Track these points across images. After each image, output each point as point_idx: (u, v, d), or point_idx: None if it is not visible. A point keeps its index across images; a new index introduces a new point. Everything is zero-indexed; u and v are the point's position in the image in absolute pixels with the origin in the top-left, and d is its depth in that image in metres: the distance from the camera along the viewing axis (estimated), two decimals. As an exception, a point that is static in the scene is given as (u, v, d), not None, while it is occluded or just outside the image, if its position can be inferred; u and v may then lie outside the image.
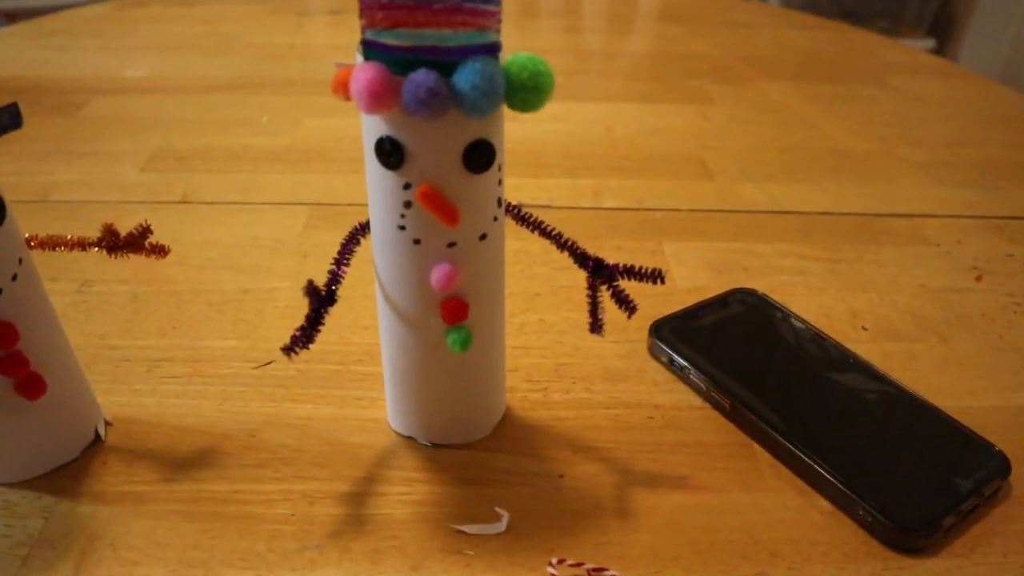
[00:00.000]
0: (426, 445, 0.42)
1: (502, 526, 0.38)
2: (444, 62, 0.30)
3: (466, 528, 0.38)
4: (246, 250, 0.58)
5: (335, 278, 0.36)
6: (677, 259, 0.57)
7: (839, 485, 0.39)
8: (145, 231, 0.39)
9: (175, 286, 0.54)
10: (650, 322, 0.49)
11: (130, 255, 0.40)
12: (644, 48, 1.01)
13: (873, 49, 1.02)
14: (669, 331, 0.48)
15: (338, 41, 0.98)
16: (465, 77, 0.29)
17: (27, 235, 0.38)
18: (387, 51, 0.30)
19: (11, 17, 1.80)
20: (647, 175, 0.69)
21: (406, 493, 0.40)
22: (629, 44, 1.03)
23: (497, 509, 0.39)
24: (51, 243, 0.39)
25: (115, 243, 0.38)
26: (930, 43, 2.14)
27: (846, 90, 0.88)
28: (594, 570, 0.36)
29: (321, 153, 0.71)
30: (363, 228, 0.38)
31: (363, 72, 0.30)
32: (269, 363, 0.47)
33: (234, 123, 0.77)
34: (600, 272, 0.37)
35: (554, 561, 0.36)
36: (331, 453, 0.42)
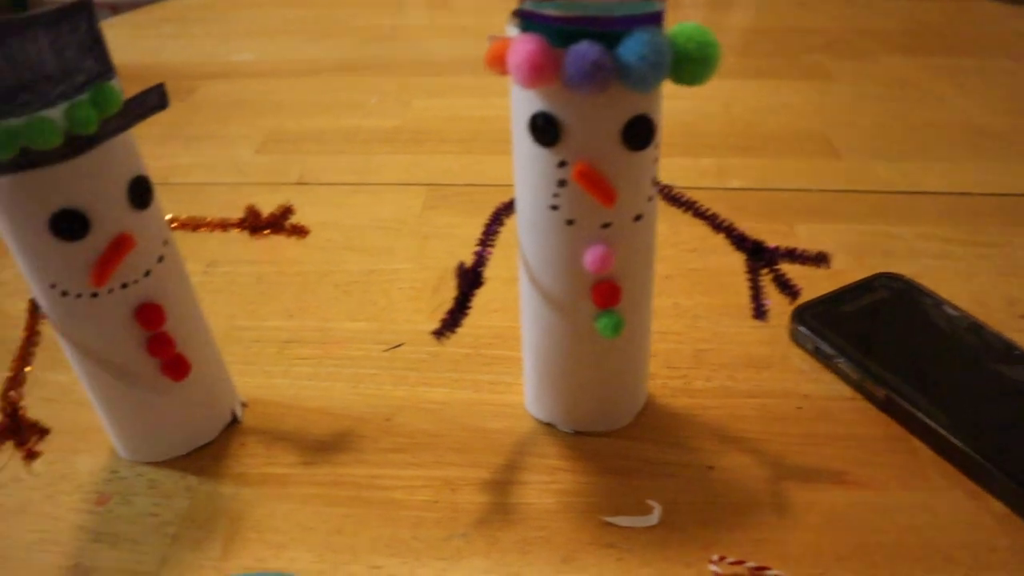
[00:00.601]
0: (567, 432, 0.41)
1: (654, 519, 0.36)
2: (607, 33, 0.28)
3: (616, 520, 0.36)
4: (366, 231, 0.57)
5: (481, 260, 0.35)
6: (812, 241, 0.54)
7: (1015, 487, 0.36)
8: (286, 212, 0.38)
9: (299, 267, 0.53)
10: (790, 307, 0.47)
11: (270, 235, 0.39)
12: (753, 22, 0.97)
13: (999, 19, 0.96)
14: (813, 317, 0.46)
15: (439, 22, 0.97)
16: (632, 48, 0.28)
17: (169, 216, 0.37)
18: (547, 22, 0.28)
19: (114, 9, 1.85)
20: (771, 154, 0.66)
21: (550, 482, 0.38)
22: (735, 19, 1.00)
23: (648, 501, 0.37)
24: (192, 224, 0.38)
25: (257, 224, 0.38)
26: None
27: (975, 63, 0.83)
28: (756, 569, 0.34)
29: (433, 134, 0.71)
30: (507, 208, 0.36)
31: (522, 44, 0.28)
32: (399, 345, 0.47)
33: (343, 105, 0.77)
34: (760, 255, 0.35)
35: (715, 558, 0.34)
36: (469, 439, 0.41)
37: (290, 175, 0.65)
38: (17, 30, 0.26)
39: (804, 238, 0.55)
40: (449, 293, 0.49)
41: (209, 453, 0.41)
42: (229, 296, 0.51)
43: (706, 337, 0.47)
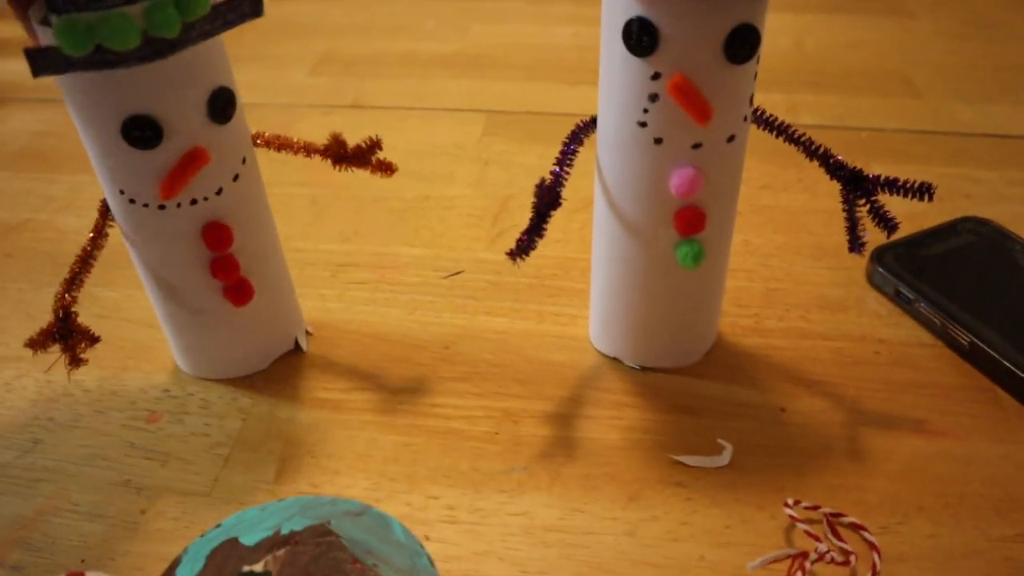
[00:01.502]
0: (634, 368, 0.39)
1: (725, 459, 0.35)
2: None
3: (685, 459, 0.35)
4: (424, 156, 0.55)
5: (558, 179, 0.33)
6: (891, 183, 0.51)
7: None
8: (374, 145, 0.36)
9: (353, 191, 0.52)
10: (867, 249, 0.44)
11: (354, 168, 0.37)
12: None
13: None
14: (893, 259, 0.43)
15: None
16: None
17: (254, 132, 0.36)
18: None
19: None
20: (846, 92, 0.62)
21: (615, 417, 0.37)
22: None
23: (719, 441, 0.35)
24: (277, 143, 0.36)
25: (342, 154, 0.35)
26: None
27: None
28: (831, 515, 0.32)
29: (493, 59, 0.68)
30: (588, 126, 0.34)
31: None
32: (458, 273, 0.45)
33: (398, 28, 0.74)
34: (858, 184, 0.33)
35: (790, 502, 0.32)
36: (532, 370, 0.39)
37: (344, 97, 0.63)
38: None
39: (882, 179, 0.52)
40: (509, 221, 0.48)
41: (263, 375, 0.40)
42: (283, 218, 0.49)
43: (778, 276, 0.45)
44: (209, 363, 0.39)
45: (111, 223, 0.35)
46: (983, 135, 0.57)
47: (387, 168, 0.36)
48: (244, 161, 0.33)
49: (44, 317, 0.43)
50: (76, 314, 0.35)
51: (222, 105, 0.30)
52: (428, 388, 0.38)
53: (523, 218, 0.48)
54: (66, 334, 0.34)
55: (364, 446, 0.36)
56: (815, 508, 0.32)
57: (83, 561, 0.32)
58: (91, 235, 0.35)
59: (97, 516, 0.34)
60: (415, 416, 0.37)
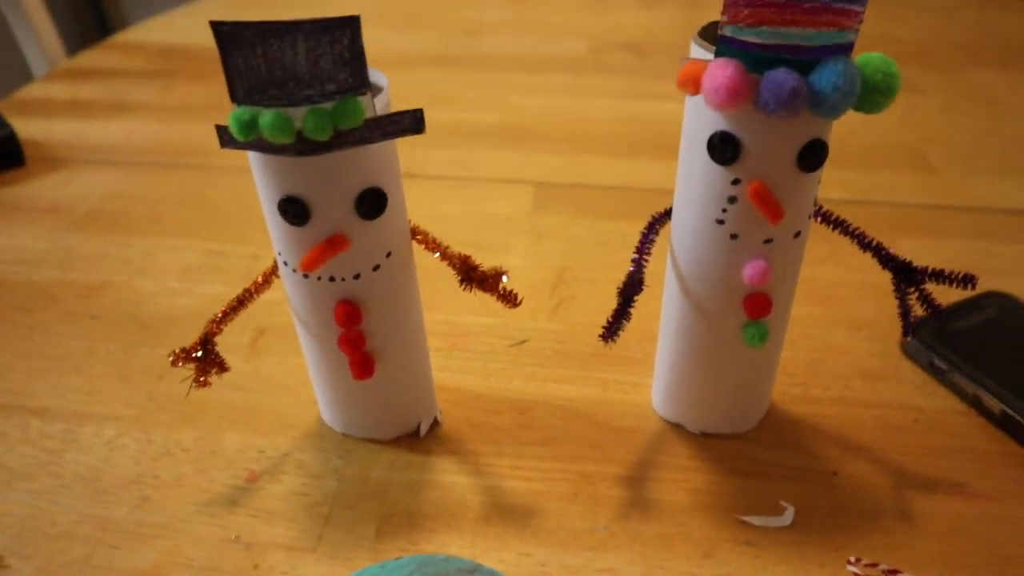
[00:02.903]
0: (694, 433, 0.43)
1: (787, 519, 0.38)
2: (801, 61, 0.30)
3: (751, 519, 0.38)
4: (479, 227, 0.59)
5: (639, 267, 0.37)
6: (915, 258, 0.55)
7: None
8: (499, 274, 0.39)
9: (419, 260, 0.55)
10: (898, 321, 0.48)
11: (477, 291, 0.39)
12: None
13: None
14: (927, 332, 0.47)
15: (523, 17, 0.99)
16: (827, 78, 0.29)
17: (414, 226, 0.39)
18: (745, 48, 0.30)
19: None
20: (868, 168, 0.67)
21: (682, 480, 0.40)
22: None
23: (782, 502, 0.39)
24: (426, 243, 0.39)
25: (471, 275, 0.39)
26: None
27: (1062, 81, 0.83)
28: (889, 572, 0.36)
29: (536, 131, 0.72)
30: (662, 218, 0.38)
31: (721, 69, 0.30)
32: (524, 342, 0.49)
33: (440, 98, 0.78)
34: (907, 274, 0.37)
35: (852, 559, 0.36)
36: (602, 435, 0.43)
37: (397, 167, 0.67)
38: (278, 33, 0.28)
39: (907, 253, 0.56)
40: (567, 292, 0.52)
41: (351, 437, 0.43)
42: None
43: (819, 347, 0.48)
44: (342, 421, 0.43)
45: (277, 276, 0.39)
46: (1000, 210, 0.61)
47: (511, 299, 0.39)
48: (389, 255, 0.36)
49: (137, 378, 0.47)
50: (216, 344, 0.39)
51: (369, 204, 0.33)
52: (509, 451, 0.42)
53: (579, 290, 0.52)
54: (203, 358, 0.38)
55: (456, 506, 0.39)
56: (874, 566, 0.36)
57: (204, 613, 0.35)
58: (258, 280, 0.39)
59: (212, 570, 0.37)
60: (500, 478, 0.41)
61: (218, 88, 0.81)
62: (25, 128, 0.70)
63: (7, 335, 0.51)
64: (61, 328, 0.51)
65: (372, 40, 0.97)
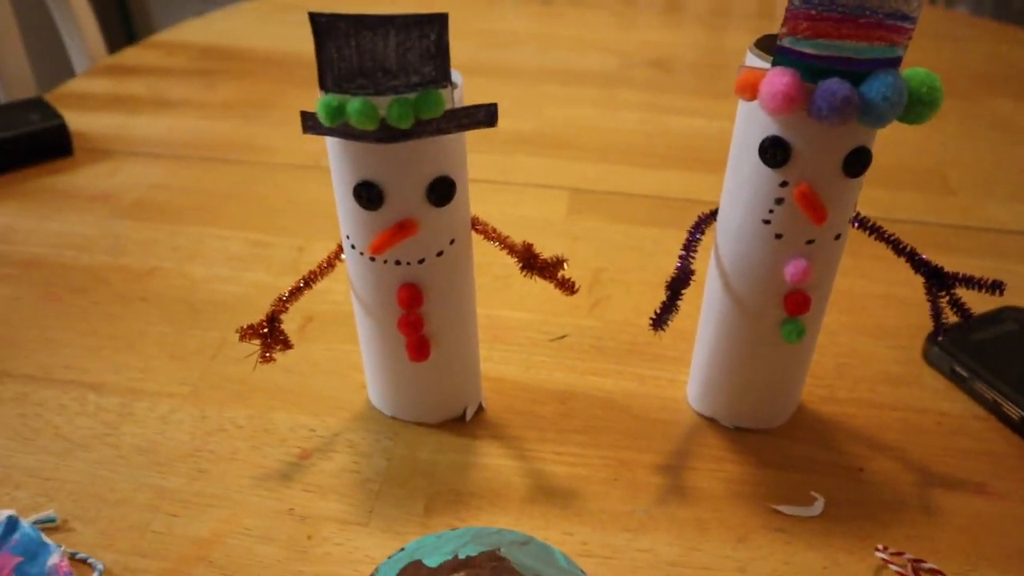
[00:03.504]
0: (728, 427, 0.45)
1: (817, 510, 0.40)
2: (853, 73, 0.32)
3: (783, 508, 0.40)
4: (515, 229, 0.60)
5: (687, 263, 0.39)
6: (937, 271, 0.58)
7: None
8: (560, 262, 0.41)
9: (458, 257, 0.57)
10: (919, 331, 0.51)
11: (538, 278, 0.41)
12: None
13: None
14: (949, 341, 0.49)
15: (554, 32, 1.01)
16: (877, 89, 0.31)
17: (474, 216, 0.41)
18: (802, 58, 0.32)
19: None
20: (890, 187, 0.69)
21: (717, 470, 0.42)
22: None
23: (812, 493, 0.41)
24: (487, 233, 0.41)
25: (532, 263, 0.41)
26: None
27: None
28: (914, 560, 0.37)
29: (569, 140, 0.75)
30: (708, 218, 0.40)
31: (779, 77, 0.32)
32: (564, 337, 0.51)
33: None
34: (939, 279, 0.39)
35: (880, 547, 0.38)
36: (640, 426, 0.45)
37: (435, 170, 0.69)
38: (372, 25, 0.30)
39: (929, 267, 0.58)
40: (602, 292, 0.54)
41: (400, 420, 0.45)
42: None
43: (845, 352, 0.50)
44: (392, 404, 0.45)
45: (341, 260, 0.41)
46: (1014, 231, 0.64)
47: (569, 286, 0.41)
48: (452, 242, 0.38)
49: (190, 358, 0.49)
50: (281, 321, 0.41)
51: (440, 192, 0.36)
52: (552, 438, 0.44)
53: (614, 290, 0.55)
54: (268, 334, 0.40)
55: (501, 487, 0.41)
56: (900, 554, 0.38)
57: (262, 578, 0.37)
58: (323, 263, 0.41)
59: (269, 540, 0.39)
60: (543, 462, 0.43)
61: (260, 87, 0.84)
62: (72, 120, 0.73)
63: (61, 314, 0.53)
64: (113, 310, 0.54)
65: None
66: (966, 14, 1.23)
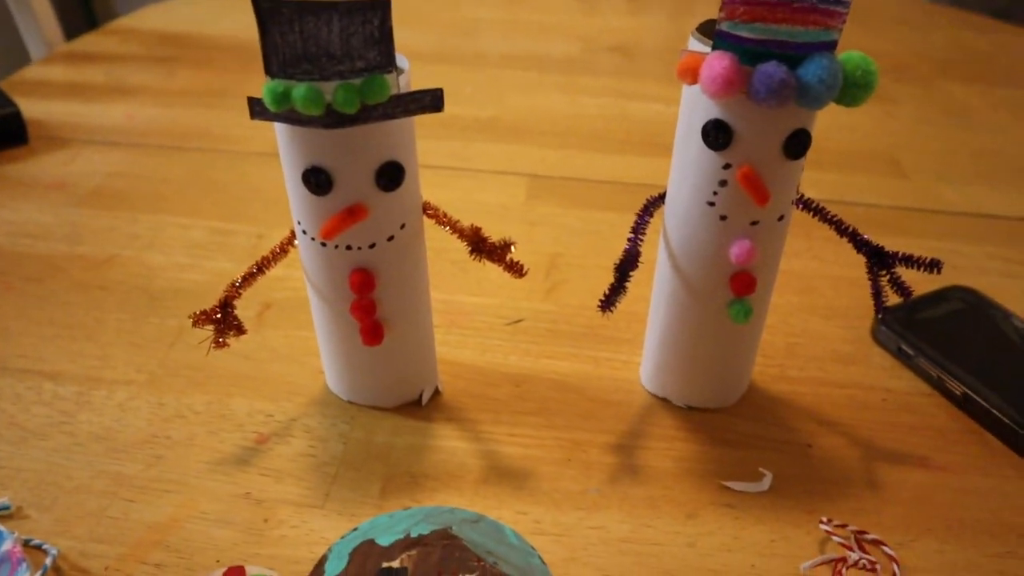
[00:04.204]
0: (680, 407, 0.45)
1: (765, 485, 0.41)
2: (790, 56, 0.33)
3: (732, 484, 0.41)
4: (474, 215, 0.60)
5: (635, 245, 0.40)
6: (888, 253, 0.59)
7: (1083, 478, 0.41)
8: (508, 245, 0.41)
9: (417, 243, 0.58)
10: (869, 311, 0.52)
11: (486, 261, 0.42)
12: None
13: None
14: (895, 320, 0.51)
15: (517, 18, 1.01)
16: (813, 71, 0.32)
17: (426, 202, 0.41)
18: (740, 42, 0.33)
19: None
20: (843, 170, 0.70)
21: (668, 449, 0.43)
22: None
23: (761, 469, 0.42)
24: (437, 217, 0.41)
25: (480, 246, 0.41)
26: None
27: (1028, 95, 0.88)
28: (858, 532, 0.39)
29: (530, 127, 0.75)
30: (656, 201, 0.41)
31: (718, 60, 0.33)
32: (520, 321, 0.51)
33: (437, 93, 0.81)
34: (880, 259, 0.40)
35: (825, 520, 0.39)
36: (593, 408, 0.45)
37: (395, 157, 0.69)
38: (315, 11, 0.30)
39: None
40: (559, 276, 0.55)
41: (356, 404, 0.45)
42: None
43: (796, 332, 0.52)
44: (348, 388, 0.45)
45: (294, 246, 0.41)
46: (965, 214, 0.65)
47: (517, 269, 0.41)
48: (403, 227, 0.39)
49: (148, 345, 0.49)
50: (235, 307, 0.41)
51: (388, 176, 0.36)
52: (506, 420, 0.44)
53: (571, 274, 0.55)
54: (221, 320, 0.40)
55: (456, 468, 0.42)
56: (844, 526, 0.39)
57: (218, 561, 0.38)
58: (275, 248, 0.41)
59: (225, 523, 0.39)
60: (497, 444, 0.43)
61: (220, 75, 0.84)
62: (27, 108, 0.72)
63: (16, 303, 0.53)
64: (70, 298, 0.53)
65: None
66: (926, 2, 1.25)
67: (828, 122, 0.78)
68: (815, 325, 0.52)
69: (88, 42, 0.94)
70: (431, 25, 0.98)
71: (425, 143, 0.59)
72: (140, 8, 1.02)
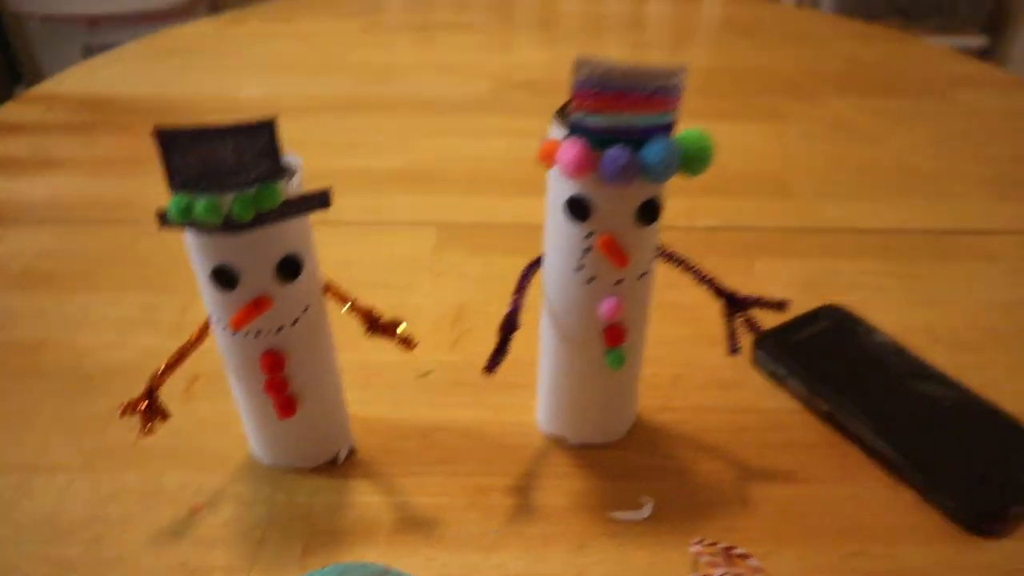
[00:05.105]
0: (573, 445, 0.50)
1: (646, 512, 0.46)
2: (633, 140, 0.37)
3: (617, 515, 0.46)
4: (385, 269, 0.66)
5: (516, 309, 0.44)
6: (770, 277, 0.64)
7: (923, 478, 0.46)
8: (396, 323, 0.47)
9: (336, 308, 0.62)
10: (753, 337, 0.57)
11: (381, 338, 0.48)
12: (712, 63, 1.07)
13: (938, 61, 1.07)
14: (771, 343, 0.56)
15: (428, 60, 1.05)
16: (654, 153, 0.37)
17: (326, 283, 0.45)
18: (588, 130, 0.38)
19: (93, 22, 1.90)
20: (734, 195, 0.76)
21: (561, 486, 0.48)
22: (696, 58, 1.09)
23: (641, 499, 0.47)
24: (340, 297, 0.46)
25: (375, 325, 0.47)
26: (983, 40, 2.16)
27: (913, 105, 0.94)
28: (726, 548, 0.44)
29: (438, 173, 0.79)
30: (534, 266, 0.46)
31: (571, 147, 0.38)
32: (428, 373, 0.56)
33: (349, 144, 0.85)
34: (735, 303, 0.45)
35: (695, 541, 0.44)
36: (494, 452, 0.50)
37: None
38: (209, 136, 0.35)
39: (761, 274, 0.65)
40: (464, 326, 0.59)
41: (277, 468, 0.50)
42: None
43: (681, 362, 0.57)
44: (269, 454, 0.49)
45: (208, 332, 0.45)
46: (843, 229, 0.71)
47: (408, 343, 0.47)
48: (306, 310, 0.43)
49: (85, 428, 0.53)
50: (159, 395, 0.45)
51: (287, 269, 0.40)
52: (416, 471, 0.49)
53: (476, 323, 0.60)
54: (147, 409, 0.44)
55: (371, 522, 0.46)
56: (713, 544, 0.44)
57: (156, 629, 0.41)
58: (194, 335, 0.45)
59: (162, 593, 0.43)
60: (408, 495, 0.47)
61: (139, 140, 0.87)
62: (-48, 190, 0.75)
63: (-45, 395, 0.56)
64: (8, 385, 0.56)
65: (288, 87, 1.05)
66: (831, 15, 1.31)
67: (723, 146, 0.84)
68: (700, 354, 0.57)
69: (9, 111, 0.96)
70: (343, 72, 1.01)
71: (340, 199, 0.63)
72: (64, 71, 1.05)
